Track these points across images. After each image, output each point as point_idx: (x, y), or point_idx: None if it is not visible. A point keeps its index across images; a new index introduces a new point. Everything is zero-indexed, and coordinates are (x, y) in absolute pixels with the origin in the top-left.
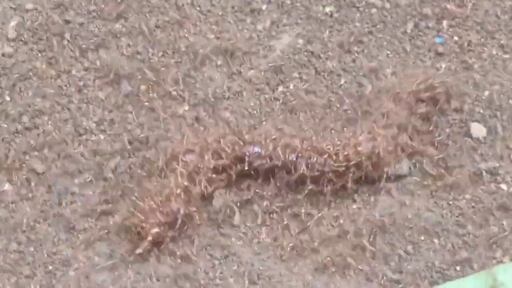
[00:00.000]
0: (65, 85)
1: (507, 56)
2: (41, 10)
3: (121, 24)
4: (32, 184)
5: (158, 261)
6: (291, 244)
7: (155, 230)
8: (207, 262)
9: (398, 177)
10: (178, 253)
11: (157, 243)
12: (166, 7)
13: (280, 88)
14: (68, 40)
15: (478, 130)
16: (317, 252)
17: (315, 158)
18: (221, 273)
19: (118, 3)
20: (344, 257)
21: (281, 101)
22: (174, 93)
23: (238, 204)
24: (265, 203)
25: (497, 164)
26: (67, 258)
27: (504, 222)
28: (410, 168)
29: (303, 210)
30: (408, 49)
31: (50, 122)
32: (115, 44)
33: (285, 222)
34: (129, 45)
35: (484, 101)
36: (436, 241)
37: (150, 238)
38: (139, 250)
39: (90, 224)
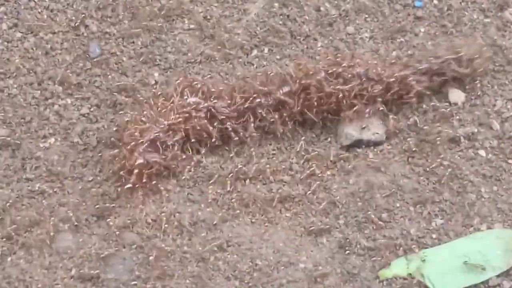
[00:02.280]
0: (32, 48)
1: (487, 20)
2: None
3: None
4: None
5: (124, 227)
6: (262, 211)
7: (140, 161)
8: (175, 228)
9: (375, 144)
10: (146, 219)
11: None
12: None
13: (254, 52)
14: (35, 1)
15: (456, 95)
16: (289, 219)
17: None
18: (189, 239)
19: None
20: (317, 224)
21: (255, 66)
22: (145, 56)
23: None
24: (235, 169)
25: (476, 130)
26: (30, 224)
27: (482, 189)
28: (386, 135)
29: (274, 177)
30: (386, 13)
31: (15, 86)
32: (83, 6)
33: (256, 188)
34: (99, 7)
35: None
36: (412, 208)
37: (136, 170)
38: (128, 185)
39: (55, 189)
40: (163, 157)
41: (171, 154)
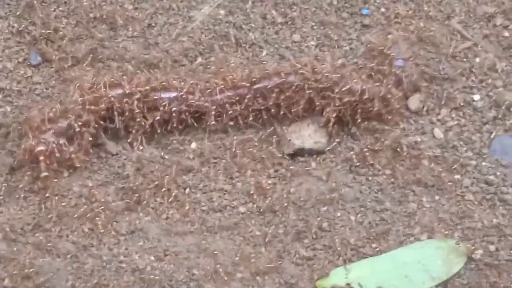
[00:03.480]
0: None
1: (434, 28)
2: None
3: None
4: None
5: (59, 236)
6: (201, 221)
7: (41, 148)
8: (112, 238)
9: (317, 152)
10: (82, 228)
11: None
12: None
13: (199, 60)
14: None
15: (416, 102)
16: (228, 228)
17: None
18: (126, 249)
19: None
20: (256, 234)
21: (200, 73)
22: (88, 64)
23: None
24: (176, 178)
25: (419, 139)
26: None
27: (424, 199)
28: (329, 144)
29: (214, 186)
30: (333, 21)
31: None
32: (26, 13)
33: (196, 197)
34: (41, 14)
35: None
36: (352, 218)
37: (41, 157)
38: (44, 173)
39: None
40: (73, 147)
41: (80, 144)
